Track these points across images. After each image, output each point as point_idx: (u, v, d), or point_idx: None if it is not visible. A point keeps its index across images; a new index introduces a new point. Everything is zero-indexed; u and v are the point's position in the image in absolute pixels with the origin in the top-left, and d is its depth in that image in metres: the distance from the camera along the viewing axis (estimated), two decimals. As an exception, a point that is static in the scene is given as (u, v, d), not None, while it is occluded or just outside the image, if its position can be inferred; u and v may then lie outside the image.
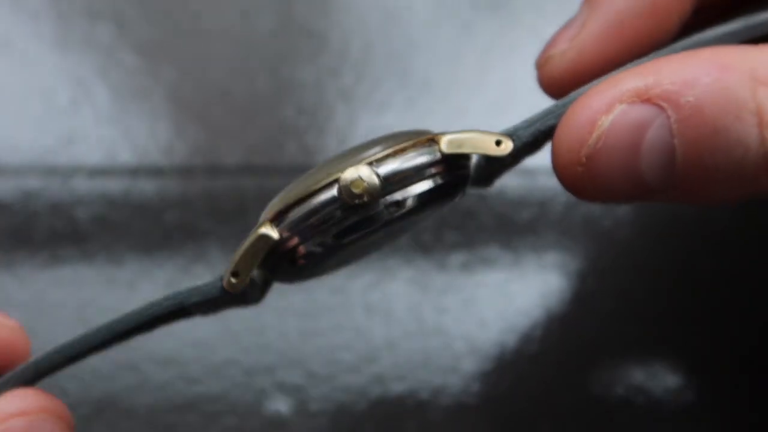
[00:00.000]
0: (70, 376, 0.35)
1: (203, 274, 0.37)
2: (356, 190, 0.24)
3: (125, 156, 0.40)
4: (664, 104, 0.25)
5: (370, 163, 0.24)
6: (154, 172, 0.40)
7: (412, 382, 0.36)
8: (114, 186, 0.39)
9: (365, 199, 0.24)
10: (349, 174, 0.24)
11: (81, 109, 0.41)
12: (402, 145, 0.25)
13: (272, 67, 0.42)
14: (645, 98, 0.25)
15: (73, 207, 0.39)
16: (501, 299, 0.38)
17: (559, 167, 0.25)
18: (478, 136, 0.25)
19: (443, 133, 0.25)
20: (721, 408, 0.36)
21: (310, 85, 0.41)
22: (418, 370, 0.36)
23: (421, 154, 0.25)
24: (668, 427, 0.35)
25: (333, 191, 0.24)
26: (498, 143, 0.25)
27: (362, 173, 0.24)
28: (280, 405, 0.35)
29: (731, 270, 0.38)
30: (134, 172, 0.39)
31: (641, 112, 0.25)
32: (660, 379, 0.36)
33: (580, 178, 0.25)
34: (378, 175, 0.24)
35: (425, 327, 0.37)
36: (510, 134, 0.26)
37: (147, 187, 0.39)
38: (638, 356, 0.37)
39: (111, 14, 0.42)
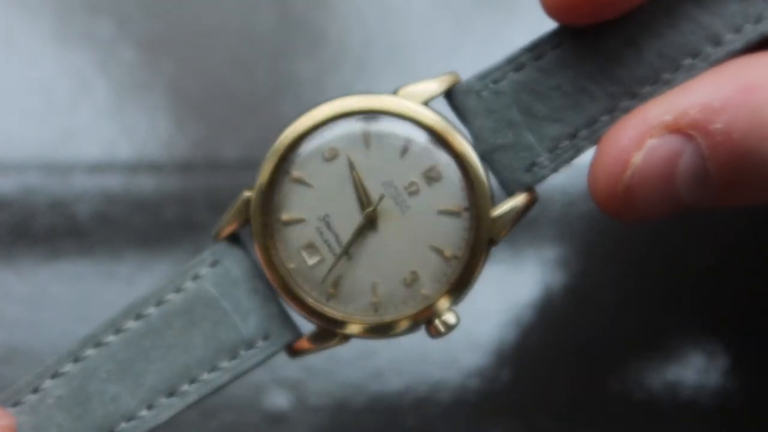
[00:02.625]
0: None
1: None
2: (447, 330, 0.28)
3: (125, 151, 0.40)
4: (694, 133, 0.25)
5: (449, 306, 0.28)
6: (154, 167, 0.40)
7: (410, 376, 0.36)
8: (113, 181, 0.39)
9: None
10: (441, 326, 0.28)
11: (80, 104, 0.41)
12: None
13: (271, 61, 0.42)
14: (674, 129, 0.25)
15: (73, 202, 0.39)
16: (500, 293, 0.38)
17: (598, 200, 0.26)
18: (517, 210, 0.27)
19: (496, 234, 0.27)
20: (718, 400, 0.36)
21: (309, 80, 0.41)
22: (416, 364, 0.36)
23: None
24: (667, 420, 0.35)
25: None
26: (529, 205, 0.28)
27: (452, 322, 0.28)
28: (279, 399, 0.35)
29: (731, 263, 0.38)
30: (134, 167, 0.40)
31: (672, 143, 0.26)
32: (658, 373, 0.36)
33: (621, 208, 0.26)
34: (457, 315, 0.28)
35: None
36: (533, 182, 0.27)
37: (146, 182, 0.39)
38: (637, 351, 0.37)
39: (110, 9, 0.42)
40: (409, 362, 0.36)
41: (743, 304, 0.37)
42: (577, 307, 0.37)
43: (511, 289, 0.38)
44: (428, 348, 0.36)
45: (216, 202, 0.39)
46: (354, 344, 0.36)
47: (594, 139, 0.27)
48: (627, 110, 0.27)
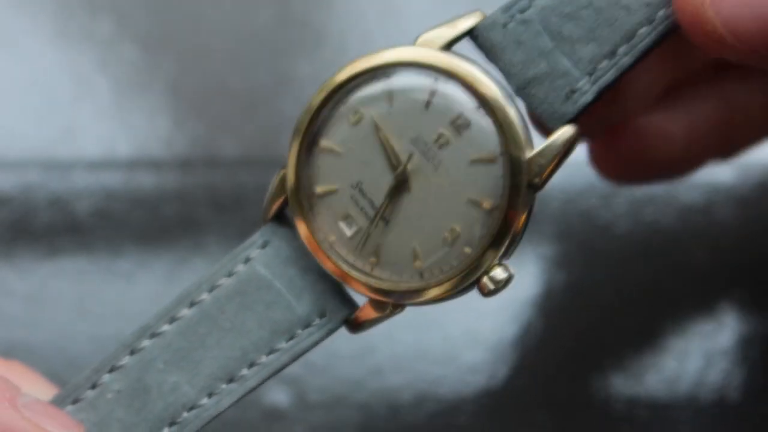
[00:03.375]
0: (74, 365, 0.35)
1: (201, 266, 0.37)
2: (497, 286, 0.26)
3: (124, 149, 0.40)
4: None
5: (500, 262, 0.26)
6: (153, 164, 0.40)
7: (410, 373, 0.36)
8: (113, 179, 0.39)
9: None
10: (490, 282, 0.26)
11: (81, 102, 0.41)
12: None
13: (271, 60, 0.42)
14: None
15: (73, 200, 0.39)
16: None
17: (689, 19, 0.24)
18: (557, 147, 0.25)
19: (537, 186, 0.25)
20: (717, 397, 0.36)
21: (309, 78, 0.42)
22: (416, 361, 0.36)
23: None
24: (665, 417, 0.35)
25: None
26: (572, 141, 0.25)
27: (502, 276, 0.26)
28: (279, 396, 0.35)
29: (730, 261, 0.38)
30: (133, 164, 0.40)
31: None
32: (657, 370, 0.36)
33: (715, 29, 0.24)
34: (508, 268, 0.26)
35: (423, 318, 0.37)
36: (574, 111, 0.25)
37: (146, 179, 0.39)
38: (635, 348, 0.37)
39: (110, 8, 0.43)
40: (409, 359, 0.36)
41: (743, 303, 0.37)
42: (577, 305, 0.37)
43: (510, 286, 0.38)
44: (428, 345, 0.36)
45: (215, 200, 0.39)
46: (353, 340, 0.36)
47: (635, 54, 0.25)
48: (668, 18, 0.25)
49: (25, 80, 0.41)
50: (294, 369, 0.36)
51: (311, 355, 0.36)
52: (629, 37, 0.25)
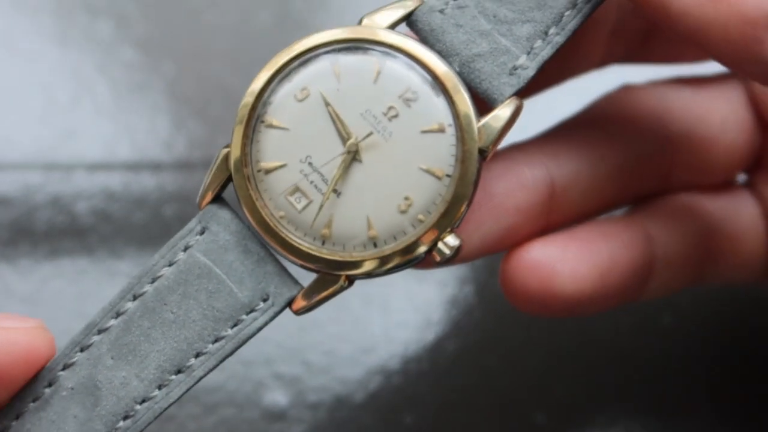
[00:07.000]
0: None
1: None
2: (451, 252, 0.27)
3: (125, 150, 0.40)
4: None
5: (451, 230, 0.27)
6: (153, 166, 0.40)
7: (409, 373, 0.36)
8: (113, 180, 0.39)
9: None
10: (445, 248, 0.26)
11: (81, 104, 0.41)
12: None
13: (270, 61, 0.42)
14: None
15: (74, 201, 0.39)
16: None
17: None
18: (504, 118, 0.27)
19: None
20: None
21: (308, 79, 0.42)
22: (415, 361, 0.36)
23: None
24: (665, 413, 0.36)
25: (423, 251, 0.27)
26: (516, 112, 0.27)
27: (455, 243, 0.26)
28: (278, 396, 0.35)
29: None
30: (133, 166, 0.40)
31: None
32: (656, 366, 0.36)
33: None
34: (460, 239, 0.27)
35: (423, 318, 0.37)
36: (518, 84, 0.27)
37: (146, 180, 0.39)
38: (635, 348, 0.37)
39: (110, 10, 0.43)
40: (408, 359, 0.36)
41: (742, 300, 0.37)
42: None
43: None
44: (427, 344, 0.37)
45: (215, 201, 0.39)
46: (353, 340, 0.37)
47: (565, 35, 0.27)
48: (588, 2, 0.27)
49: (26, 82, 0.41)
50: (293, 369, 0.36)
51: (310, 356, 0.36)
52: (558, 19, 0.27)
